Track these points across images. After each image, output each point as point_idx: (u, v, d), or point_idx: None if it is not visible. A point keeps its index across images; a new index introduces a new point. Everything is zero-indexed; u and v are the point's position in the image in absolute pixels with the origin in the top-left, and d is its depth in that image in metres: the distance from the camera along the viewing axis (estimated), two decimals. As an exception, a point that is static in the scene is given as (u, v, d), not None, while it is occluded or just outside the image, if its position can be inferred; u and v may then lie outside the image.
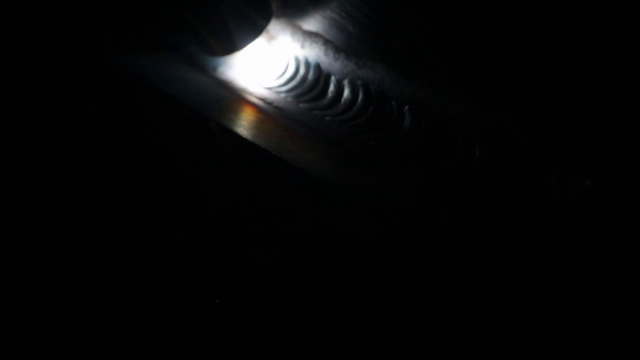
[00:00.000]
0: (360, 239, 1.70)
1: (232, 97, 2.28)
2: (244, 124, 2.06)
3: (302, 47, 2.26)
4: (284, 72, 2.28)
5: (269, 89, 2.27)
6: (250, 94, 2.28)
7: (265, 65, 2.34)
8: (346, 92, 2.14)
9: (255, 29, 2.33)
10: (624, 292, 1.48)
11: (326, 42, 2.19)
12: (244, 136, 1.92)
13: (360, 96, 2.08)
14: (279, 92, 2.25)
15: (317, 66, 2.20)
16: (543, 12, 1.67)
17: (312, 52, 2.23)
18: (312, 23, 2.21)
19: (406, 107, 1.95)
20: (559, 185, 1.65)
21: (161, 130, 2.12)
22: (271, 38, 2.34)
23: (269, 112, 2.18)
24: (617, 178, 1.58)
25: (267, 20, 2.32)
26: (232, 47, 2.34)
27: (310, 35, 2.23)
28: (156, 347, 1.58)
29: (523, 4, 1.69)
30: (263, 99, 2.24)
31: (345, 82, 2.14)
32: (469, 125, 1.82)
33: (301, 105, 2.19)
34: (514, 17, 1.72)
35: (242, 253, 1.78)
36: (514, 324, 1.51)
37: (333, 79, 2.16)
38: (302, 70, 2.24)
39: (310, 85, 2.21)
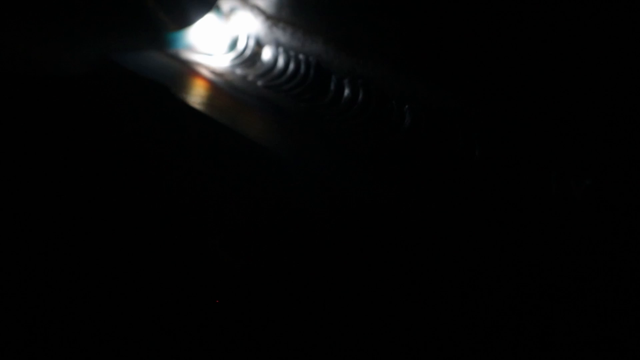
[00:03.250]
0: (356, 239, 1.70)
1: (188, 71, 2.32)
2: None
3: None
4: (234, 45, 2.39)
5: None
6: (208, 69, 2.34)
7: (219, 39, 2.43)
8: (287, 64, 2.24)
9: (205, 4, 2.37)
10: (624, 291, 1.48)
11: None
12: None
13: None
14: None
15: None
16: (544, 12, 1.67)
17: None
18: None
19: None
20: (559, 185, 1.65)
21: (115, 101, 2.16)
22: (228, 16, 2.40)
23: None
24: (617, 178, 1.58)
25: None
26: (184, 21, 2.37)
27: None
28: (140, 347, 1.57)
29: (522, 4, 1.69)
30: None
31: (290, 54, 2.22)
32: (469, 125, 1.82)
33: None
34: (514, 18, 1.72)
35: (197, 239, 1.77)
36: (513, 324, 1.51)
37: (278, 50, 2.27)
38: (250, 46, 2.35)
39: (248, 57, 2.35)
